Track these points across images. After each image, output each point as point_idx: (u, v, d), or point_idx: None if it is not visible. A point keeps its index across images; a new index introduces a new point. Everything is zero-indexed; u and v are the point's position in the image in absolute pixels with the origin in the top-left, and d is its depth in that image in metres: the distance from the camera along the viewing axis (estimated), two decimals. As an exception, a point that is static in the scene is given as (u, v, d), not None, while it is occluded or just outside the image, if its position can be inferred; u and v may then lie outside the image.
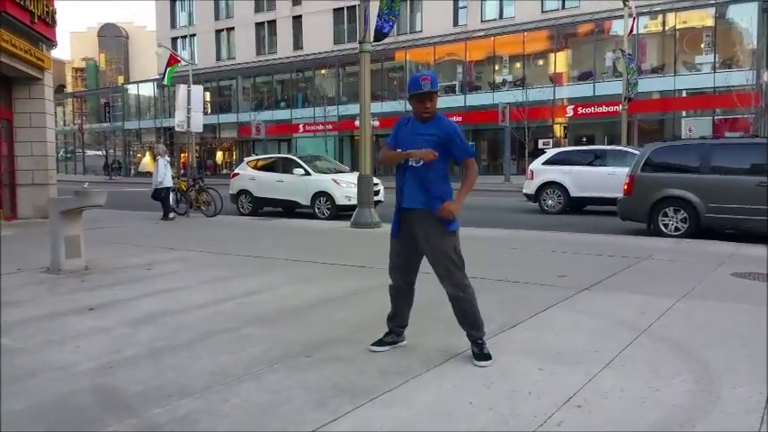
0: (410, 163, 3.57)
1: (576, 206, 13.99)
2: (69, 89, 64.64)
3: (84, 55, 66.07)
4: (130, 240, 9.58)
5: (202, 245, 8.91)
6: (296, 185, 14.02)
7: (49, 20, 12.87)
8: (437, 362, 3.55)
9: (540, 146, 28.24)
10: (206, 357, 3.72)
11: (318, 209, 13.73)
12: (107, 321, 4.64)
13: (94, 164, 53.98)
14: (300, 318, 4.62)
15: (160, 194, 12.95)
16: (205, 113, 21.87)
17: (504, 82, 33.44)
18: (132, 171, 49.57)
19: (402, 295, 3.79)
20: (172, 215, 13.03)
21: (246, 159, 16.40)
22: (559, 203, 13.98)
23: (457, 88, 34.70)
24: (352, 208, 11.95)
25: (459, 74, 34.99)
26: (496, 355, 3.63)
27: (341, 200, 13.33)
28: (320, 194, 13.68)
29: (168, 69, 21.56)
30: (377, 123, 30.69)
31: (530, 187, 14.54)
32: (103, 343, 4.08)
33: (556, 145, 28.44)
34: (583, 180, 13.58)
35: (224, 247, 8.56)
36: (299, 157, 14.94)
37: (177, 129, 17.51)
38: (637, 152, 13.55)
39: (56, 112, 53.46)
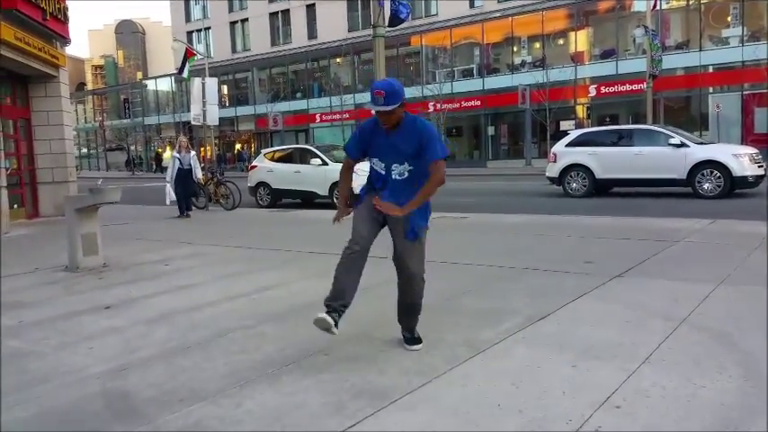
0: (394, 176, 3.40)
1: (602, 188, 13.62)
2: (89, 87, 65.25)
3: (103, 52, 66.66)
4: (149, 236, 9.53)
5: (219, 239, 8.81)
6: (314, 176, 13.75)
7: (62, 16, 12.84)
8: (461, 359, 3.34)
9: (563, 128, 27.71)
10: (219, 358, 3.57)
11: (337, 198, 13.40)
12: (122, 320, 4.53)
13: (117, 160, 54.57)
14: (316, 314, 4.44)
15: (187, 189, 12.48)
16: (222, 106, 21.84)
17: (523, 63, 32.77)
18: (153, 166, 49.96)
19: (359, 264, 3.40)
20: (186, 213, 12.38)
21: (264, 151, 16.30)
22: (584, 186, 13.61)
23: (474, 71, 34.13)
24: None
25: (476, 57, 34.39)
26: (524, 350, 3.42)
27: (359, 189, 13.02)
28: (338, 184, 13.44)
29: (186, 62, 21.51)
30: (394, 110, 30.38)
31: (553, 170, 14.17)
32: (117, 344, 3.96)
33: (578, 126, 27.85)
34: (608, 161, 13.18)
35: (240, 241, 8.43)
36: (316, 148, 14.71)
37: (193, 122, 17.52)
38: (664, 131, 13.18)
39: (77, 110, 54.10)
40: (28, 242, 9.41)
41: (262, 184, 14.86)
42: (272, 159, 15.15)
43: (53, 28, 12.45)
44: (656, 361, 3.22)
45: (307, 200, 14.45)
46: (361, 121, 30.40)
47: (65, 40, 13.31)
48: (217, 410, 2.83)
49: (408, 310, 3.57)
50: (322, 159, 13.75)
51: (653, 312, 4.12)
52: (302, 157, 14.58)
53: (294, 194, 14.50)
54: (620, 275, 5.26)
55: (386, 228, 3.50)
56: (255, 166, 15.40)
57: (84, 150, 58.19)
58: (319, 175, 13.64)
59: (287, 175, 14.28)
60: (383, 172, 3.42)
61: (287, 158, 15.04)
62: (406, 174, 3.36)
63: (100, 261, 6.84)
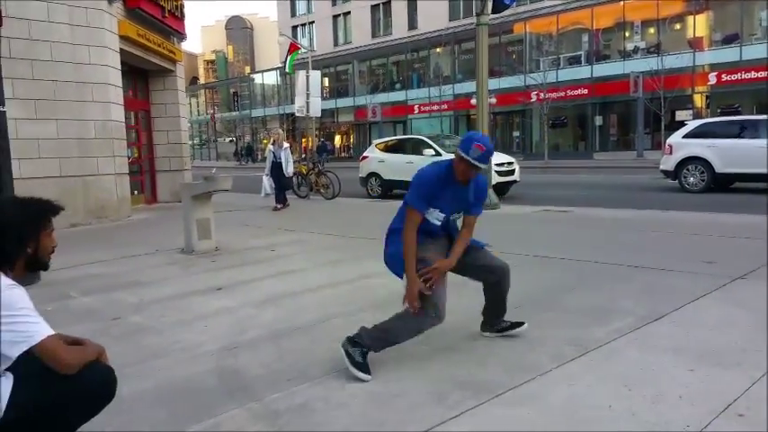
0: (451, 223, 3.38)
1: (722, 183, 12.62)
2: (201, 81, 69.26)
3: (214, 48, 70.37)
4: (253, 222, 9.97)
5: (320, 227, 9.05)
6: None
7: (178, 13, 13.66)
8: (568, 358, 3.22)
9: (679, 118, 25.99)
10: (324, 342, 3.66)
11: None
12: (233, 302, 4.77)
13: (226, 150, 57.62)
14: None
15: (280, 182, 12.31)
16: (323, 98, 22.36)
17: (635, 49, 30.96)
18: (259, 157, 52.25)
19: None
20: (279, 205, 12.15)
21: (375, 142, 16.10)
22: (702, 181, 12.67)
23: (582, 59, 32.70)
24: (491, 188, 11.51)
25: (584, 43, 32.91)
26: (637, 352, 3.24)
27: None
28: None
29: (289, 57, 22.29)
30: (494, 100, 29.84)
31: (668, 163, 13.29)
32: (229, 323, 4.18)
33: (696, 116, 26.02)
34: (730, 154, 12.18)
35: (341, 230, 8.62)
36: (429, 137, 14.44)
37: (297, 114, 18.09)
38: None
39: (190, 103, 57.49)
40: (148, 226, 10.14)
41: (373, 174, 14.80)
42: (384, 150, 15.00)
43: (171, 25, 13.26)
44: (786, 370, 2.94)
45: None
46: (460, 111, 29.73)
47: (181, 36, 14.14)
48: (322, 392, 2.91)
49: (504, 299, 3.52)
50: (435, 149, 13.45)
51: (783, 318, 3.76)
52: (414, 147, 14.33)
53: (406, 185, 14.23)
54: (742, 277, 4.85)
55: None
56: (366, 157, 15.31)
57: (197, 141, 61.88)
58: None
59: (398, 166, 13.87)
60: (439, 222, 3.29)
61: (398, 149, 14.78)
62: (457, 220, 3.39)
63: (212, 245, 7.25)
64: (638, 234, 7.34)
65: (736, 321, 3.74)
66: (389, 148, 15.03)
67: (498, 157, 12.89)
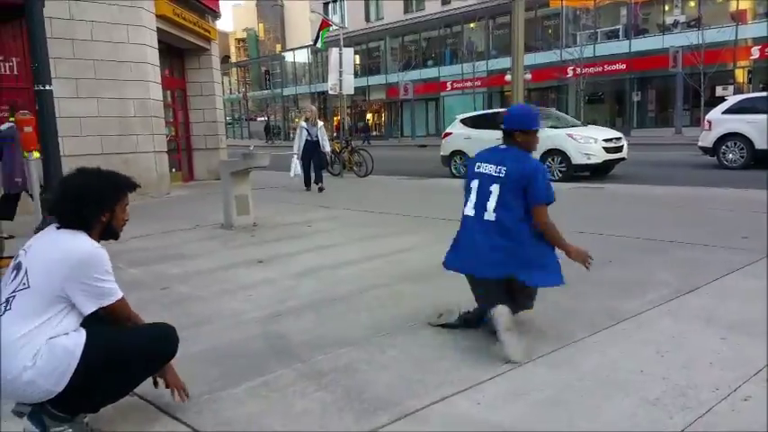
0: None
1: (763, 160, 12.32)
2: (233, 59, 69.66)
3: (245, 26, 70.47)
4: (288, 199, 10.17)
5: (354, 204, 9.20)
6: None
7: (213, -8, 13.78)
8: (601, 327, 3.31)
9: (719, 93, 25.25)
10: (362, 311, 3.82)
11: (549, 169, 11.48)
12: (273, 273, 4.96)
13: (258, 129, 58.09)
14: (448, 277, 4.54)
15: (318, 160, 11.57)
16: (355, 76, 22.36)
17: (675, 23, 30.03)
18: (291, 135, 52.62)
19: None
20: (320, 183, 11.32)
21: (459, 117, 14.52)
22: (742, 157, 12.39)
23: (620, 33, 31.84)
24: (592, 168, 11.06)
25: (622, 17, 32.02)
26: (670, 322, 3.30)
27: (578, 158, 11.34)
28: (551, 152, 11.61)
29: (320, 33, 22.31)
30: (529, 76, 29.37)
31: (706, 139, 13.01)
32: (271, 293, 4.36)
33: (737, 92, 25.19)
34: (772, 130, 11.88)
35: (374, 206, 8.75)
36: None
37: (330, 92, 18.16)
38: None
39: (222, 82, 58.03)
40: (187, 202, 10.43)
41: (457, 152, 13.50)
42: (470, 125, 13.50)
43: (205, 3, 13.41)
44: (820, 341, 2.97)
45: None
46: (493, 88, 29.02)
47: (215, 13, 14.29)
48: (364, 355, 3.07)
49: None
50: None
51: (819, 292, 3.77)
52: None
53: None
54: (779, 252, 4.84)
55: None
56: (450, 134, 14.04)
57: (229, 119, 62.53)
58: None
59: (488, 143, 12.55)
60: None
61: (487, 124, 12.65)
62: None
63: (251, 220, 7.45)
64: (673, 210, 7.30)
65: (771, 294, 3.77)
66: (476, 123, 13.48)
67: (605, 132, 12.20)
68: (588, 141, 11.37)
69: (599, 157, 11.29)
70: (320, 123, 11.79)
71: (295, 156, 11.60)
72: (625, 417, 2.33)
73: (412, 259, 5.28)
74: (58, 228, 2.25)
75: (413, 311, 3.75)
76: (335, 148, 14.84)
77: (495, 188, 3.17)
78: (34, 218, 6.13)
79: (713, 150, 12.87)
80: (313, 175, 11.42)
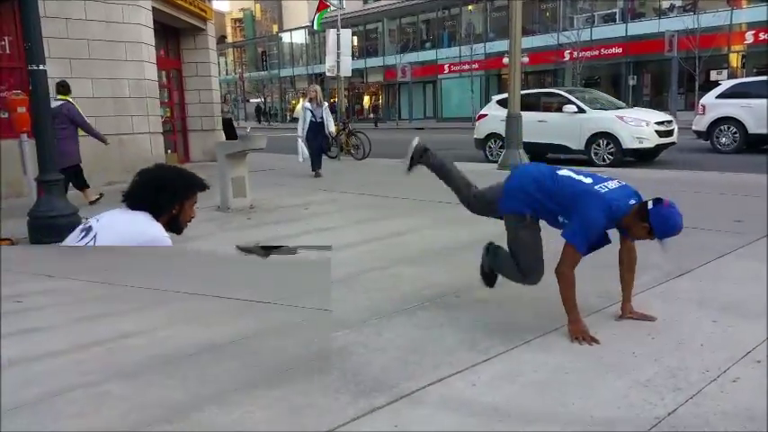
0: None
1: (755, 144, 12.39)
2: (229, 39, 68.97)
3: (242, 6, 69.71)
4: (287, 182, 10.17)
5: (352, 186, 9.20)
6: (564, 126, 11.46)
7: (209, -29, 13.59)
8: (594, 309, 3.37)
9: (713, 78, 25.24)
10: (360, 293, 3.86)
11: (596, 154, 11.18)
12: (270, 256, 4.98)
13: (252, 111, 57.72)
14: (446, 259, 4.61)
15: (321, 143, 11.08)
16: (353, 58, 22.24)
17: (671, 7, 29.92)
18: (288, 117, 52.30)
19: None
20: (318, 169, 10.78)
21: (495, 98, 13.78)
22: (735, 141, 12.46)
23: (617, 16, 31.72)
24: (642, 153, 10.81)
25: (619, 1, 31.93)
26: (662, 304, 3.36)
27: (629, 142, 10.81)
28: (599, 136, 11.11)
29: (317, 14, 22.14)
30: (526, 59, 29.22)
31: (700, 123, 13.08)
32: (268, 275, 4.40)
33: (731, 76, 25.20)
34: (764, 115, 11.93)
35: (372, 189, 8.76)
36: (568, 92, 12.38)
37: (328, 73, 18.03)
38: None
39: (218, 63, 57.65)
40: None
41: (493, 135, 12.69)
42: (507, 107, 12.25)
43: (202, -18, 13.24)
44: (809, 324, 3.04)
45: (546, 153, 12.02)
46: (491, 71, 28.68)
47: (211, -7, 14.11)
48: (360, 337, 3.12)
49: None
50: (578, 106, 11.54)
51: (809, 276, 3.83)
52: (547, 103, 12.30)
53: (537, 148, 11.72)
54: (771, 236, 4.90)
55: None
56: (485, 115, 13.21)
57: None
58: (573, 124, 11.40)
59: (528, 126, 11.05)
60: None
61: (526, 105, 11.50)
62: None
63: (248, 203, 7.47)
64: (667, 194, 7.31)
65: (760, 276, 3.83)
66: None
67: (656, 115, 11.84)
68: (640, 124, 10.95)
69: (651, 141, 10.85)
70: (325, 104, 11.18)
71: (300, 139, 11.19)
72: (617, 398, 2.39)
73: (410, 242, 5.32)
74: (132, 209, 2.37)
75: (410, 294, 3.79)
76: (333, 133, 14.74)
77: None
78: (28, 200, 6.13)
79: (707, 134, 12.95)
80: None
